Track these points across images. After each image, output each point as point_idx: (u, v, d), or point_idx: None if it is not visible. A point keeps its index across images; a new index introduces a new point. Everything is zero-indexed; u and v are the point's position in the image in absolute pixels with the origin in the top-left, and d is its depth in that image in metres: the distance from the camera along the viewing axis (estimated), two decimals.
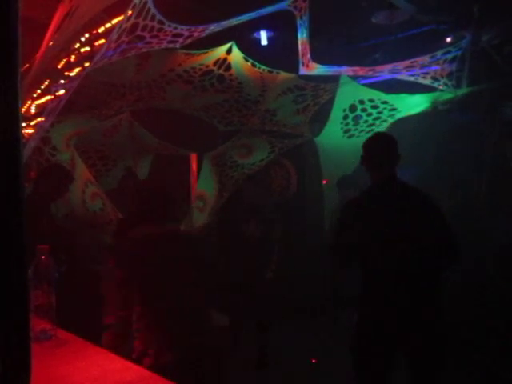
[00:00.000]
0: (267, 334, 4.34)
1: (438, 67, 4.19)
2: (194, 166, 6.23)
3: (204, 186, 5.70)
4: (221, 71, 4.20)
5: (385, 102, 4.71)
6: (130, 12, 2.64)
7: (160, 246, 2.15)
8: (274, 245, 4.78)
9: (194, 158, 6.27)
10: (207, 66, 4.14)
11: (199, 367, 2.03)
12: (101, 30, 3.94)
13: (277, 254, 4.80)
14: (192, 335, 2.05)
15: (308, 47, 3.72)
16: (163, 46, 3.15)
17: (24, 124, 4.37)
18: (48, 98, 4.10)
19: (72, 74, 4.03)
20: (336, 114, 4.98)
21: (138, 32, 2.82)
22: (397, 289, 2.48)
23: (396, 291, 2.48)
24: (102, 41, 3.84)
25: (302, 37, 3.62)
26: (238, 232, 4.68)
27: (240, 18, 3.19)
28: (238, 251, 4.62)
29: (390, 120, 4.85)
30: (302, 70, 3.92)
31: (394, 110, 4.75)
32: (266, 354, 4.22)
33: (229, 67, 4.16)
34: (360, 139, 5.10)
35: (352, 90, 4.71)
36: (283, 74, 4.35)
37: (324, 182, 5.52)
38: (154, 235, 2.18)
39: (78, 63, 4.10)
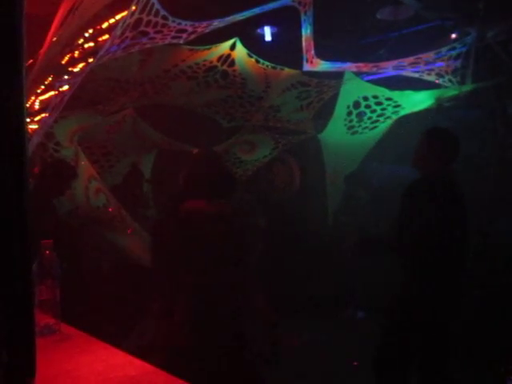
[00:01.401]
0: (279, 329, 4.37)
1: (442, 64, 4.17)
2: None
3: None
4: (224, 67, 4.20)
5: (389, 99, 4.70)
6: (133, 7, 2.63)
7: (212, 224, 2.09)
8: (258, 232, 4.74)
9: None
10: (211, 62, 4.13)
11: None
12: (105, 25, 3.94)
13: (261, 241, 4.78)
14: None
15: (312, 43, 3.70)
16: (167, 42, 3.15)
17: (28, 120, 4.38)
18: (52, 93, 4.10)
19: (76, 69, 4.03)
20: (340, 110, 4.96)
21: (142, 27, 2.82)
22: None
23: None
24: (106, 36, 3.84)
25: (306, 33, 3.61)
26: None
27: (244, 13, 3.18)
28: None
29: (394, 117, 4.83)
30: (306, 67, 3.91)
31: (398, 106, 4.73)
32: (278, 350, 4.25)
33: (232, 63, 4.15)
34: (364, 136, 5.09)
35: (356, 87, 4.69)
36: (287, 70, 4.33)
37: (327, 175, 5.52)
38: (206, 212, 2.11)
39: (81, 59, 4.10)
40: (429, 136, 2.74)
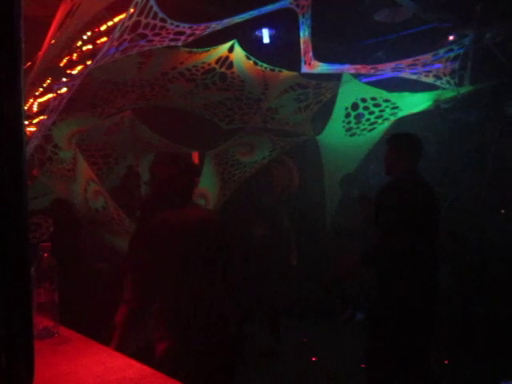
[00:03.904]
0: (279, 323, 4.44)
1: (440, 65, 4.18)
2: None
3: (206, 184, 5.70)
4: (223, 69, 4.20)
5: (387, 101, 4.70)
6: (132, 10, 2.64)
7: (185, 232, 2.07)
8: (288, 233, 4.88)
9: (195, 156, 6.27)
10: (209, 64, 4.14)
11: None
12: (103, 28, 3.94)
13: (294, 240, 4.92)
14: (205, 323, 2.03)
15: (310, 45, 3.71)
16: (165, 44, 3.15)
17: (26, 122, 4.37)
18: (50, 96, 4.10)
19: (74, 72, 4.03)
20: (338, 112, 4.97)
21: (140, 30, 2.82)
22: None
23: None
24: (104, 39, 3.84)
25: (305, 35, 3.62)
26: (247, 232, 4.73)
27: (242, 16, 3.19)
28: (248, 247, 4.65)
29: (392, 118, 4.84)
30: (304, 68, 3.92)
31: (396, 108, 4.74)
32: (277, 343, 4.32)
33: (231, 65, 4.16)
34: (362, 138, 5.10)
35: (354, 89, 4.70)
36: (285, 72, 4.34)
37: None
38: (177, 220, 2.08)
39: (80, 61, 4.10)
40: (394, 143, 2.85)
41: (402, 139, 2.86)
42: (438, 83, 4.30)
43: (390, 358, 2.67)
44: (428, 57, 4.10)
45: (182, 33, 3.07)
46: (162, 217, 2.09)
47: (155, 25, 2.86)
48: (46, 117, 3.06)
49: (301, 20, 3.48)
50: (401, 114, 4.78)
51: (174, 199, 2.14)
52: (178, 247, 2.04)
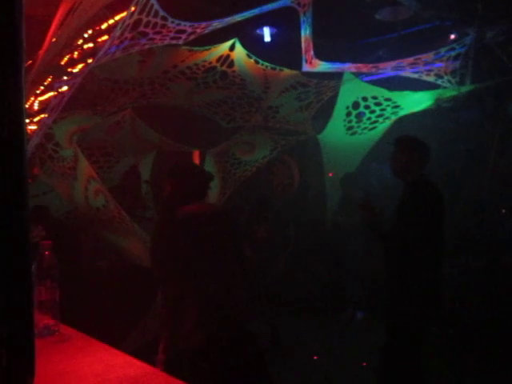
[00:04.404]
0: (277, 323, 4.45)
1: (441, 64, 4.17)
2: (197, 163, 6.24)
3: None
4: (224, 68, 4.20)
5: (388, 100, 4.70)
6: (133, 8, 2.63)
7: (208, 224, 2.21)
8: (289, 240, 4.91)
9: (196, 154, 6.27)
10: (210, 63, 4.14)
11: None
12: (104, 26, 3.94)
13: (291, 247, 4.95)
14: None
15: (311, 44, 3.71)
16: (166, 43, 3.15)
17: (27, 120, 4.37)
18: (51, 94, 4.10)
19: (75, 70, 4.02)
20: (339, 111, 4.97)
21: (141, 28, 2.82)
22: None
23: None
24: (105, 37, 3.84)
25: (306, 33, 3.61)
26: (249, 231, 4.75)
27: (243, 14, 3.18)
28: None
29: (393, 117, 4.83)
30: (305, 67, 3.92)
31: (397, 107, 4.73)
32: (279, 342, 4.33)
33: (232, 64, 4.15)
34: (363, 136, 5.10)
35: (355, 87, 4.70)
36: (286, 71, 4.34)
37: (330, 174, 5.53)
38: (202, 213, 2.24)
39: (81, 60, 4.10)
40: (403, 145, 2.81)
41: (413, 143, 2.82)
42: (439, 82, 4.29)
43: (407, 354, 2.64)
44: (429, 56, 4.09)
45: (183, 31, 3.07)
46: (191, 210, 2.22)
47: (156, 23, 2.85)
48: (46, 115, 3.06)
49: (302, 18, 3.47)
50: (402, 113, 4.77)
51: (193, 196, 2.30)
52: (208, 237, 2.17)
